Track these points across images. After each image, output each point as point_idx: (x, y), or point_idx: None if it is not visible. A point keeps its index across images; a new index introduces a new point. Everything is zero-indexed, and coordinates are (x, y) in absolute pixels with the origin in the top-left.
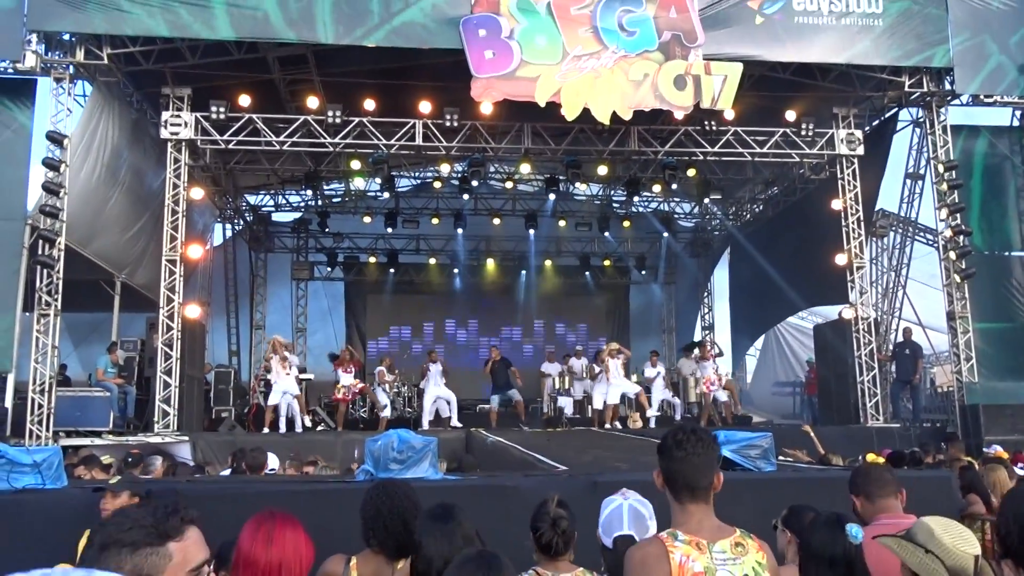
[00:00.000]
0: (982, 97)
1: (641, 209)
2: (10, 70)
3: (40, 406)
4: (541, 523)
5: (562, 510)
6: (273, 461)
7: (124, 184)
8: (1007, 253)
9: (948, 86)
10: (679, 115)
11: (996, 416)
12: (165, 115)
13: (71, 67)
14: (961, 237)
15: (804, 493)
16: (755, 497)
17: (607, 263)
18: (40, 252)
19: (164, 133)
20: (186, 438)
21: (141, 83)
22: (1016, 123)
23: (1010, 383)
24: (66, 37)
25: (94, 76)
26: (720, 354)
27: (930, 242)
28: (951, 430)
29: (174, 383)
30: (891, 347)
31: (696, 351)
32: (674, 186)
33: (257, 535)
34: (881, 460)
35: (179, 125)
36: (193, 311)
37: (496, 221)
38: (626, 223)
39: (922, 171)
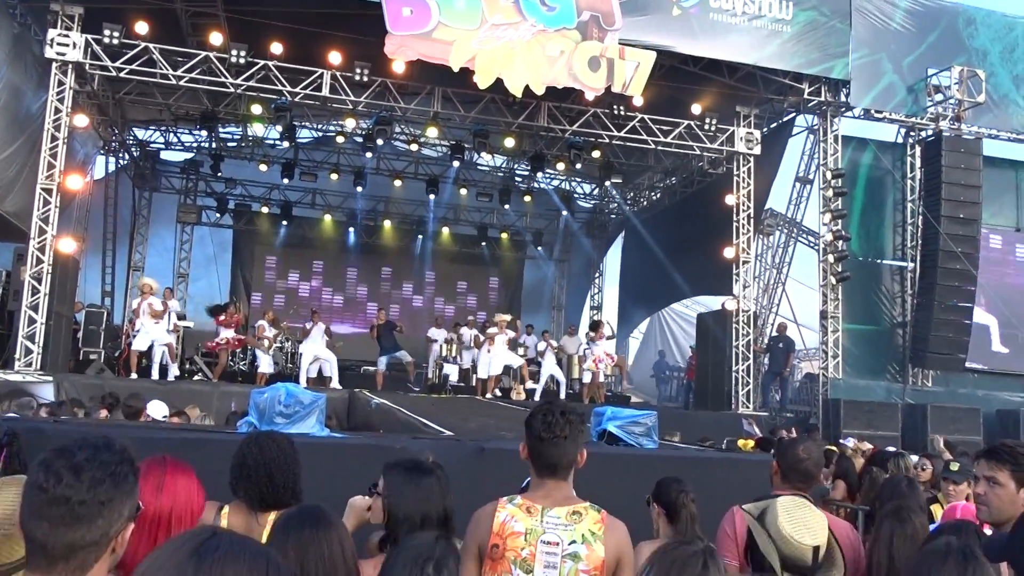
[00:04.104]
0: (873, 112)
1: (543, 185)
2: None
3: None
4: None
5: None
6: (161, 409)
7: None
8: (880, 261)
9: (843, 98)
10: (590, 96)
11: (855, 411)
12: (52, 33)
13: None
14: (840, 242)
15: (683, 470)
16: (635, 473)
17: (504, 236)
18: None
19: (49, 52)
20: (49, 378)
21: None
22: (900, 140)
23: (870, 381)
24: None
25: None
26: (612, 336)
27: (811, 244)
28: (813, 421)
29: (40, 319)
30: (766, 340)
31: (590, 331)
32: (578, 166)
33: (146, 482)
34: (751, 445)
35: (67, 46)
36: (67, 245)
37: (397, 183)
38: (527, 198)
39: (811, 176)
